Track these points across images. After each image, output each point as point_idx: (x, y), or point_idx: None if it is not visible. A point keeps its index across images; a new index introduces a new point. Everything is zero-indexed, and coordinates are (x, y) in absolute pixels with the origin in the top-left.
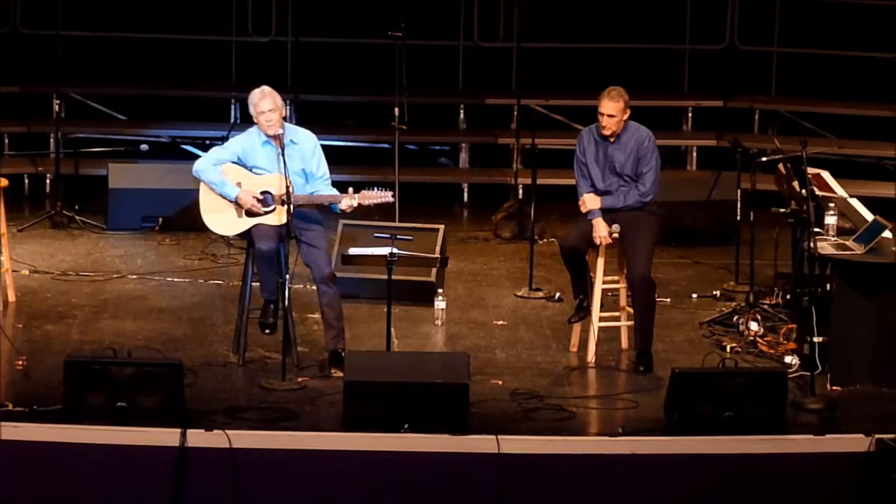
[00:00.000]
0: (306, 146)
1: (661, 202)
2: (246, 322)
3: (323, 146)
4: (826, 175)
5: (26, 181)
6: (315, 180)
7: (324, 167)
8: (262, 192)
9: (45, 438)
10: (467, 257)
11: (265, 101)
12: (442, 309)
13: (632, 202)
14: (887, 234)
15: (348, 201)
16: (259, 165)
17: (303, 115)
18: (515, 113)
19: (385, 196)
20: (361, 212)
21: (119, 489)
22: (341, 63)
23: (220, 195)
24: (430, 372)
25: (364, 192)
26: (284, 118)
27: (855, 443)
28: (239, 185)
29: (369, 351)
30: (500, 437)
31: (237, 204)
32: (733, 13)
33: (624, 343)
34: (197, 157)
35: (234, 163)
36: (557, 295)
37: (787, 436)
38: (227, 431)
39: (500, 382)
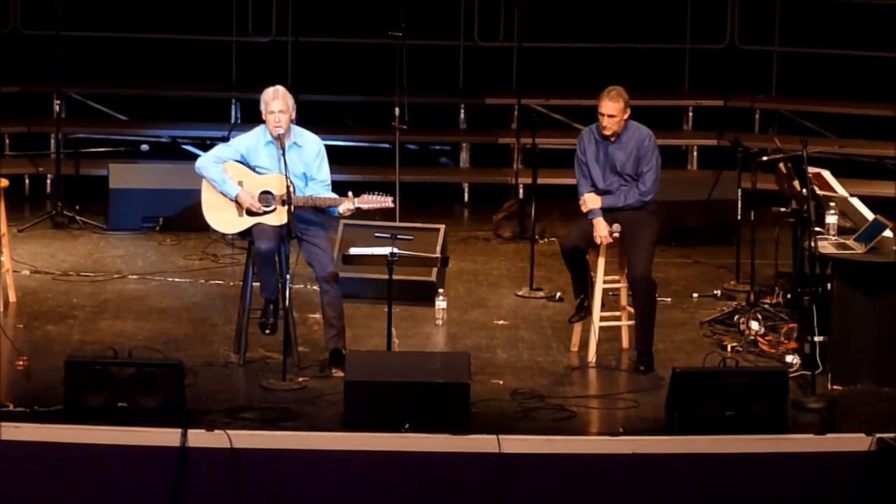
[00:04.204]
0: (310, 150)
1: (662, 202)
2: (247, 322)
3: (324, 146)
4: (826, 174)
5: (27, 181)
6: (315, 183)
7: (325, 172)
8: (263, 192)
9: (46, 438)
10: (468, 257)
11: (277, 102)
12: (442, 309)
13: (632, 202)
14: (888, 233)
15: (347, 205)
16: (262, 165)
17: (303, 115)
18: (516, 113)
19: (384, 201)
20: (361, 212)
21: (119, 489)
22: (341, 63)
23: (221, 193)
24: (431, 372)
25: (363, 197)
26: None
27: (856, 442)
28: (240, 183)
29: (370, 351)
30: (500, 436)
31: (237, 202)
32: (734, 12)
33: (625, 343)
34: (197, 157)
35: (237, 161)
36: (558, 294)
37: (788, 435)
38: (228, 431)
39: (501, 382)
